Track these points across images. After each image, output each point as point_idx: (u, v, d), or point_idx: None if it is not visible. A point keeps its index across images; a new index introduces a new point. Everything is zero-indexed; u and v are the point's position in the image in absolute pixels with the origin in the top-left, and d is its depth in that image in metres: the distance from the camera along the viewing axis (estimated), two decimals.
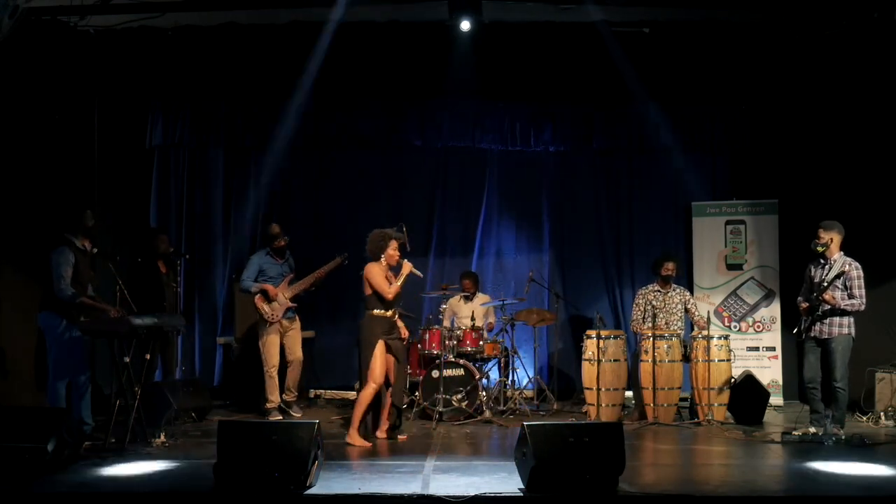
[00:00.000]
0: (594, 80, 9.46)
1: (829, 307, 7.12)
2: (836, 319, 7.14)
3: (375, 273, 7.00)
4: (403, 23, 8.78)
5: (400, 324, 7.27)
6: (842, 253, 7.25)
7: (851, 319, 7.17)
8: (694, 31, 8.83)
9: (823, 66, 8.95)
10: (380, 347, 6.91)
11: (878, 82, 8.54)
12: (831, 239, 7.23)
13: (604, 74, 9.35)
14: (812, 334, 7.24)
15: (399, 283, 7.05)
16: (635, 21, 8.65)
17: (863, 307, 7.12)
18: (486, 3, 8.22)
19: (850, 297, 7.11)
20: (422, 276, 7.65)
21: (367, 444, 6.85)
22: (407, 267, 7.13)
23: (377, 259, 7.07)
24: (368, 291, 7.00)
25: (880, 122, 8.67)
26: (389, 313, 7.03)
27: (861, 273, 7.14)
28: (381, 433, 7.10)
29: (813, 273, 7.34)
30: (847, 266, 7.12)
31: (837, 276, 7.09)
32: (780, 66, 9.14)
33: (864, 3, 7.91)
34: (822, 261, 7.28)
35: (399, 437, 7.16)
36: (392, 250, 7.08)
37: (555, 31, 8.84)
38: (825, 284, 7.10)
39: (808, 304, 7.25)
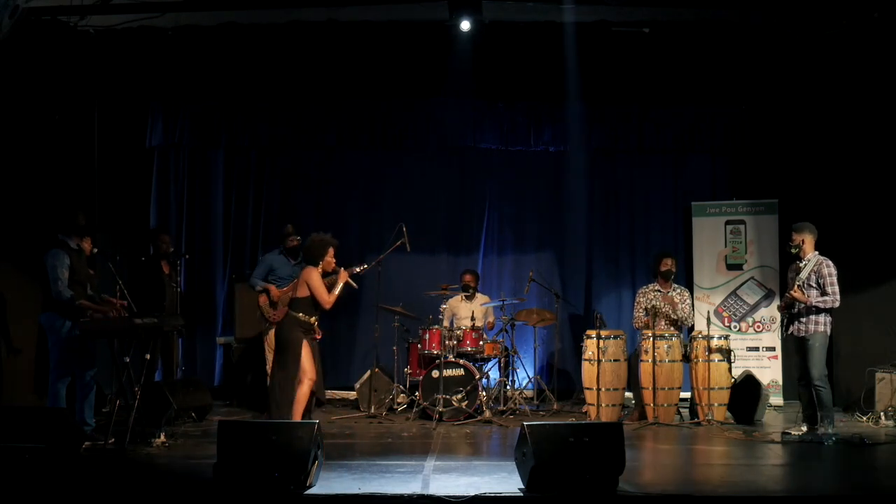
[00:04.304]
0: (594, 80, 9.45)
1: (803, 305, 7.17)
2: (813, 317, 7.20)
3: (318, 279, 6.91)
4: (403, 23, 8.77)
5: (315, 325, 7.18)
6: (816, 252, 7.33)
7: (829, 318, 7.23)
8: (694, 31, 8.84)
9: (823, 67, 8.95)
10: (306, 347, 6.90)
11: (878, 82, 8.53)
12: (803, 240, 7.33)
13: (603, 74, 9.35)
14: (790, 332, 7.34)
15: (337, 293, 6.98)
16: (635, 21, 8.66)
17: (836, 304, 7.17)
18: (486, 3, 8.22)
19: (823, 294, 7.17)
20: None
21: None
22: (343, 276, 7.02)
23: (314, 264, 6.96)
24: (305, 293, 6.89)
25: (880, 123, 8.67)
26: (313, 319, 6.97)
27: (833, 270, 7.20)
28: None
29: (792, 274, 7.42)
30: (818, 264, 7.20)
31: (808, 275, 7.18)
32: (780, 66, 9.14)
33: (864, 3, 7.91)
34: (798, 262, 7.37)
35: None
36: (330, 257, 6.99)
37: (555, 31, 8.84)
38: (798, 283, 7.18)
39: (784, 304, 7.35)
